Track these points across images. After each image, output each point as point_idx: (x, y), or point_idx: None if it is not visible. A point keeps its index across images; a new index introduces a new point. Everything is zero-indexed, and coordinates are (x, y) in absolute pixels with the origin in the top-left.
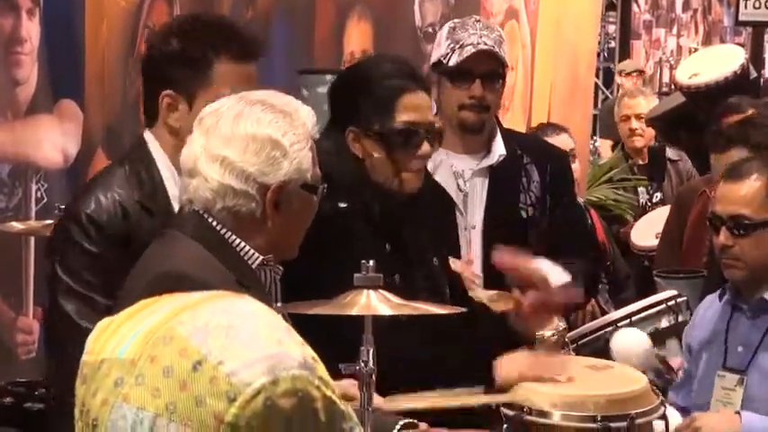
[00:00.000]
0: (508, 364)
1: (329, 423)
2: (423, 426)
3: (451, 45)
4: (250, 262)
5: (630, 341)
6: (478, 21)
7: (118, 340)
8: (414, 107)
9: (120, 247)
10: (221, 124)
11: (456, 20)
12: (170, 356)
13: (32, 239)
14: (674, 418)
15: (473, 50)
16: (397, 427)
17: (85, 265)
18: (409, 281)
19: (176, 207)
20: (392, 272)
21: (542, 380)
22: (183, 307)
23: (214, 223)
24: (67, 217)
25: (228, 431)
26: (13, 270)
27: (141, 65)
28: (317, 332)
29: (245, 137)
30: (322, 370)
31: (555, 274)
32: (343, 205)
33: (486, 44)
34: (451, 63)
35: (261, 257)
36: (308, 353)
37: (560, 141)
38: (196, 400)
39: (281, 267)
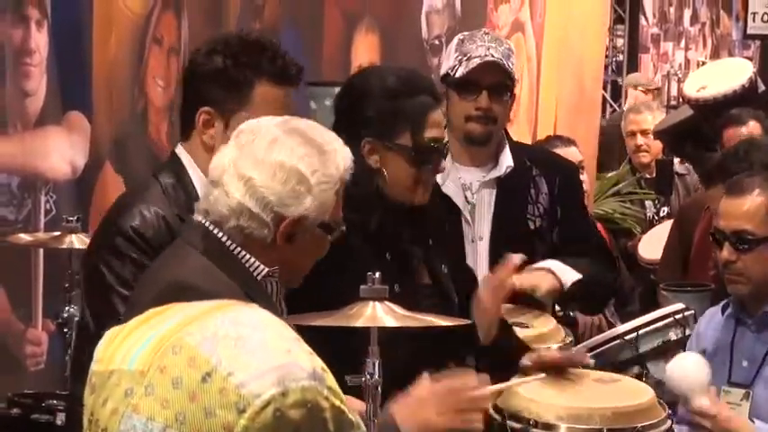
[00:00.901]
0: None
1: None
2: None
3: (459, 57)
4: (255, 273)
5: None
6: (487, 33)
7: (127, 350)
8: (438, 123)
9: None
10: (256, 144)
11: (466, 33)
12: (179, 367)
13: (41, 251)
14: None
15: (479, 62)
16: None
17: (137, 276)
18: (410, 290)
19: None
20: (392, 281)
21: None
22: (192, 317)
23: (221, 236)
24: (111, 233)
25: None
26: (22, 282)
27: (182, 78)
28: (321, 344)
29: (275, 164)
30: (331, 380)
31: (565, 273)
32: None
33: (493, 56)
34: (458, 74)
35: (266, 269)
36: (318, 363)
37: (569, 154)
38: (205, 411)
39: None
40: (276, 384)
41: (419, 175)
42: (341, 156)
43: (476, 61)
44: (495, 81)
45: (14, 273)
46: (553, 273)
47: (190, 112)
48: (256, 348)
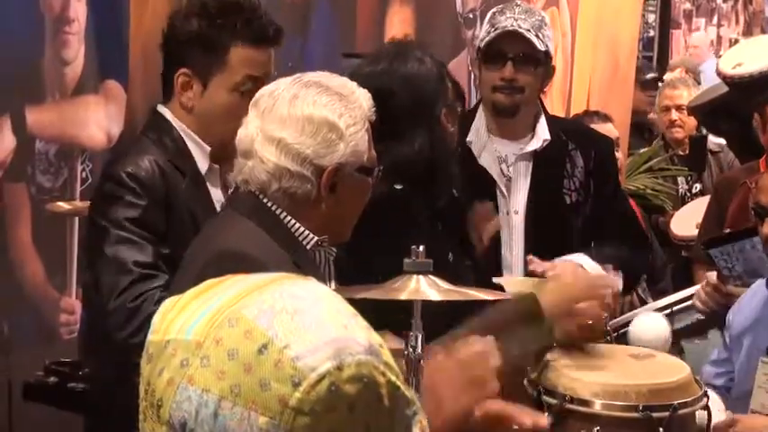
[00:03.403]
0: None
1: (392, 408)
2: None
3: (488, 29)
4: (305, 243)
5: (651, 328)
6: (519, 5)
7: (184, 320)
8: None
9: (161, 207)
10: (278, 106)
11: (500, 5)
12: (235, 339)
13: (76, 220)
14: (714, 402)
15: (501, 32)
16: None
17: (130, 217)
18: (460, 260)
19: (203, 169)
20: (446, 251)
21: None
22: (249, 289)
23: (269, 204)
24: (107, 179)
25: (293, 415)
26: (57, 250)
27: (163, 40)
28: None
29: (302, 118)
30: (387, 355)
31: (592, 268)
32: (398, 187)
33: (520, 27)
34: (484, 44)
35: (315, 238)
36: (374, 338)
37: (605, 131)
38: (261, 383)
39: (334, 249)
40: (332, 358)
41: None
42: (360, 95)
43: (499, 31)
44: (519, 51)
45: (50, 241)
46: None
47: (169, 74)
48: (313, 322)
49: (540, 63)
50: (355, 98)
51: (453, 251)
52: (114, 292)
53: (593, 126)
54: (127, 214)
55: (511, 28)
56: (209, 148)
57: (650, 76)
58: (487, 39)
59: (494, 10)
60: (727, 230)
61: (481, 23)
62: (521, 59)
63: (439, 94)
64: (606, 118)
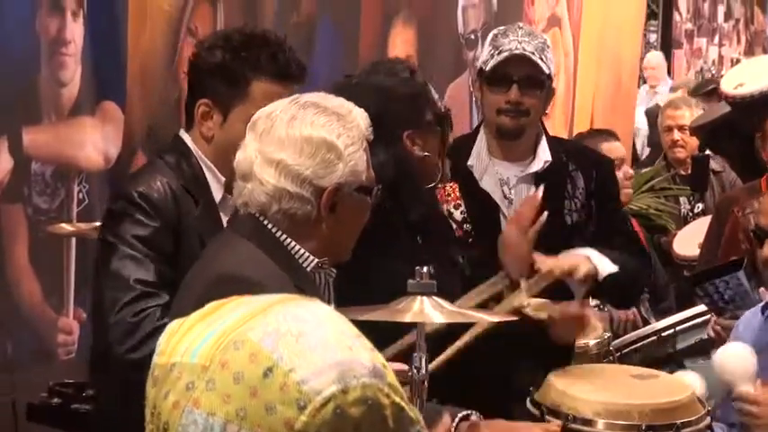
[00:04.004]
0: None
1: (397, 429)
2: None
3: (491, 51)
4: (305, 265)
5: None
6: (521, 27)
7: (189, 343)
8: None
9: (171, 230)
10: (276, 127)
11: (501, 27)
12: (241, 362)
13: (74, 241)
14: None
15: (508, 55)
16: (456, 419)
17: (138, 234)
18: (440, 272)
19: (217, 198)
20: (425, 263)
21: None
22: (254, 312)
23: (269, 226)
24: (118, 198)
25: None
26: (54, 271)
27: (187, 70)
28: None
29: (300, 140)
30: (391, 376)
31: (603, 264)
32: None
33: (525, 50)
34: (489, 67)
35: (316, 260)
36: (378, 359)
37: (613, 148)
38: (266, 406)
39: (334, 270)
40: (337, 381)
41: (443, 144)
42: (357, 114)
43: (505, 54)
44: (525, 74)
45: (47, 262)
46: (590, 260)
47: (191, 103)
48: (317, 344)
49: (543, 85)
50: (353, 118)
51: (436, 265)
52: (115, 307)
53: (601, 145)
54: (134, 232)
55: (517, 51)
56: (224, 179)
57: (711, 87)
58: (492, 62)
59: (495, 32)
60: (714, 265)
61: (482, 45)
62: (526, 82)
63: (403, 111)
64: (613, 137)
